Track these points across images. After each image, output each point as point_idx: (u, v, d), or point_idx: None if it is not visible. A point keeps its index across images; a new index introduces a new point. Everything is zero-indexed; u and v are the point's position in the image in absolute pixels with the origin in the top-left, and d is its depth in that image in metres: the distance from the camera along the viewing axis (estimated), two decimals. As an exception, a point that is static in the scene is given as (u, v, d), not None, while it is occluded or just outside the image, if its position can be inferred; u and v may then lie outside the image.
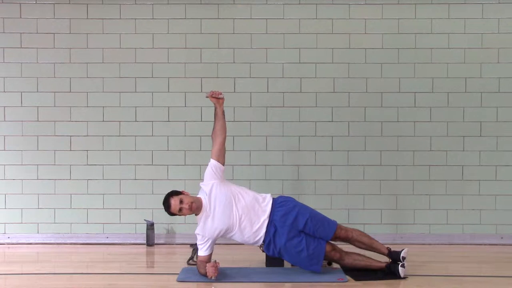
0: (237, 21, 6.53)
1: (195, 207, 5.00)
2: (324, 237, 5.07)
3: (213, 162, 5.16)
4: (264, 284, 4.98)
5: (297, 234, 5.02)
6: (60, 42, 6.54)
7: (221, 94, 5.21)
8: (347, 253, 5.16)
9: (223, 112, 5.21)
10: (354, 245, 5.23)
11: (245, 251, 5.97)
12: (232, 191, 5.08)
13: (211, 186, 5.08)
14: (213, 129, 5.22)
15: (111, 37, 6.53)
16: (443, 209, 6.53)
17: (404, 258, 5.02)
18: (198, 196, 5.13)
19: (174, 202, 4.99)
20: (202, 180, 5.23)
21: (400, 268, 4.98)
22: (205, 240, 5.03)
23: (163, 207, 5.08)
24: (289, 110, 6.54)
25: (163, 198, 5.10)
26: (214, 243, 5.10)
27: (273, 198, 5.18)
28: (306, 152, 6.55)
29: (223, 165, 5.19)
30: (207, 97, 5.23)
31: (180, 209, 4.98)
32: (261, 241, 5.09)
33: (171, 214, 5.07)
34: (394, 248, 5.18)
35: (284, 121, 6.54)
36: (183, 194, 5.06)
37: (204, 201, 5.05)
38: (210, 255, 5.06)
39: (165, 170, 6.56)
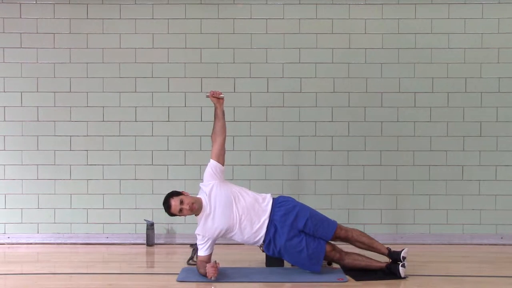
0: (237, 21, 6.53)
1: (196, 208, 5.00)
2: (324, 237, 5.06)
3: (212, 163, 5.16)
4: (264, 284, 4.97)
5: (297, 234, 5.02)
6: (60, 42, 6.54)
7: (221, 94, 5.21)
8: (347, 253, 5.16)
9: (223, 112, 5.21)
10: (354, 245, 5.22)
11: (245, 251, 5.97)
12: (232, 191, 5.08)
13: (211, 187, 5.08)
14: (213, 129, 5.22)
15: (111, 37, 6.53)
16: (443, 209, 6.52)
17: (404, 258, 5.02)
18: (198, 196, 5.12)
19: (175, 202, 4.98)
20: (202, 180, 5.23)
21: (400, 268, 4.98)
22: (205, 240, 5.03)
23: (163, 207, 5.08)
24: (289, 110, 6.54)
25: (163, 198, 5.10)
26: (214, 243, 5.10)
27: (273, 198, 5.18)
28: (306, 152, 6.55)
29: (223, 165, 5.19)
30: (207, 96, 5.23)
31: (181, 210, 4.97)
32: (261, 241, 5.09)
33: (171, 214, 5.07)
34: (394, 248, 5.18)
35: (284, 121, 6.54)
36: (183, 194, 5.06)
37: (204, 201, 5.05)
38: (210, 255, 5.07)
39: (165, 170, 6.56)
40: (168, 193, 5.09)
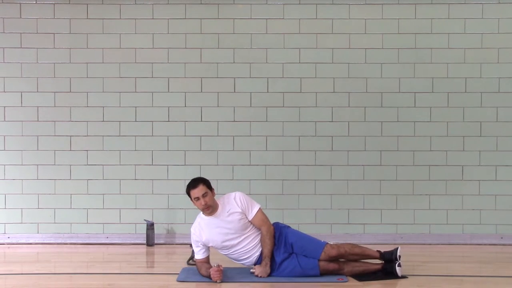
0: (237, 21, 6.53)
1: (207, 212, 4.97)
2: (313, 256, 5.04)
3: (255, 210, 5.07)
4: (263, 284, 4.96)
5: (287, 257, 5.05)
6: (60, 42, 6.54)
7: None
8: (344, 262, 5.13)
9: (270, 252, 5.05)
10: (349, 259, 5.16)
11: (245, 251, 5.97)
12: (248, 230, 5.06)
13: (236, 211, 5.02)
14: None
15: (111, 37, 6.53)
16: (443, 209, 6.52)
17: (400, 256, 5.02)
18: (221, 201, 5.06)
19: (199, 190, 4.89)
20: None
21: (397, 268, 4.97)
22: (199, 244, 5.02)
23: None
24: (289, 110, 6.54)
25: (189, 181, 5.03)
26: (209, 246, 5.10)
27: None
28: (306, 152, 6.55)
29: (251, 221, 5.07)
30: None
31: (197, 198, 4.92)
32: (250, 263, 5.10)
33: (188, 193, 4.99)
34: (388, 248, 5.16)
35: (284, 121, 6.54)
36: (213, 192, 4.99)
37: (220, 209, 5.01)
38: (207, 257, 5.06)
39: (165, 170, 6.56)
40: (204, 178, 5.02)
